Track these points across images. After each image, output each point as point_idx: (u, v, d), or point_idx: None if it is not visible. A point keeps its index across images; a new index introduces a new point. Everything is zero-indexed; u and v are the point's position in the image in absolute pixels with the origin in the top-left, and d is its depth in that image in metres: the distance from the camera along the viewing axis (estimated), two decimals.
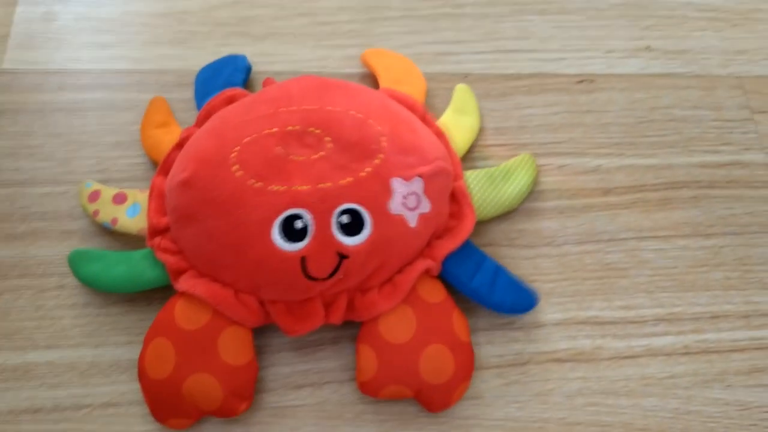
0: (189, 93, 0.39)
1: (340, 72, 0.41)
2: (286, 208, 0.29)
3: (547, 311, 0.35)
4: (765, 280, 0.37)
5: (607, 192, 0.39)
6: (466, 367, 0.31)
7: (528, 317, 0.35)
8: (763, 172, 0.40)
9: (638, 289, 0.36)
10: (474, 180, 0.35)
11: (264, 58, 0.41)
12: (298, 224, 0.29)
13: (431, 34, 0.43)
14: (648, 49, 0.43)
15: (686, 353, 0.35)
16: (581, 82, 0.42)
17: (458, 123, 0.37)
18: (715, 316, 0.36)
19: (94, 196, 0.34)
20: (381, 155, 0.31)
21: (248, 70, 0.39)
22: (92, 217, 0.34)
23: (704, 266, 0.37)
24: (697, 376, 0.34)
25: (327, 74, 0.40)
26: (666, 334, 0.35)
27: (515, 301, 0.33)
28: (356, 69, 0.41)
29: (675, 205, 0.38)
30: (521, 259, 0.36)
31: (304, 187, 0.29)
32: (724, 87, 0.43)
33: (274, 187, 0.29)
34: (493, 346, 0.34)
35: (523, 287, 0.33)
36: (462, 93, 0.39)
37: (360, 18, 0.43)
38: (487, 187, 0.35)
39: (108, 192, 0.34)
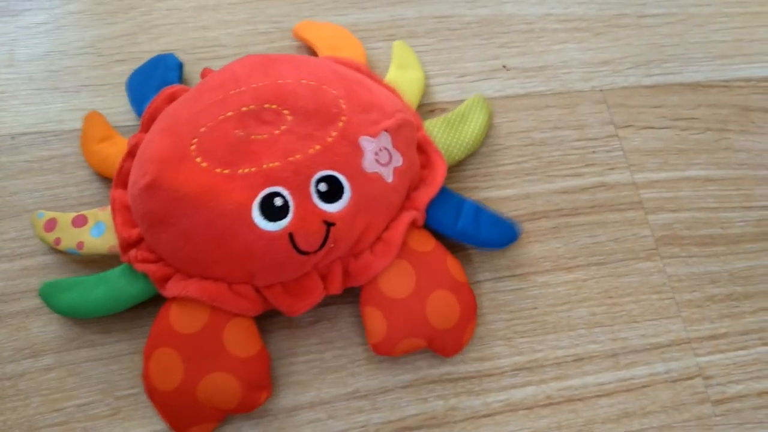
0: None
1: None
2: (261, 189, 0.28)
3: (393, 372, 0.32)
4: (633, 312, 0.34)
5: None
6: (470, 307, 0.31)
7: (372, 381, 0.32)
8: (628, 193, 0.37)
9: (495, 336, 0.33)
10: (434, 128, 0.35)
11: (75, 114, 0.37)
12: (278, 202, 0.28)
13: None
14: (504, 68, 0.41)
15: (549, 404, 0.32)
16: (432, 111, 0.39)
17: (405, 77, 0.37)
18: (579, 359, 0.33)
19: (50, 224, 0.32)
20: (343, 117, 0.30)
21: (180, 66, 0.37)
22: (53, 246, 0.32)
23: (566, 303, 0.34)
24: (561, 430, 0.31)
25: None
26: (526, 384, 0.32)
27: (501, 235, 0.33)
28: None
29: (534, 239, 0.36)
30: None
31: (275, 164, 0.28)
32: (587, 103, 0.40)
33: (244, 170, 0.28)
34: (335, 420, 0.31)
35: (505, 220, 0.33)
36: (401, 49, 0.39)
37: (188, 59, 0.39)
38: (449, 132, 0.35)
39: (65, 217, 0.32)
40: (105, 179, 0.35)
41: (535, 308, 0.34)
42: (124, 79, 0.38)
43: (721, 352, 0.33)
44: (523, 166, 0.37)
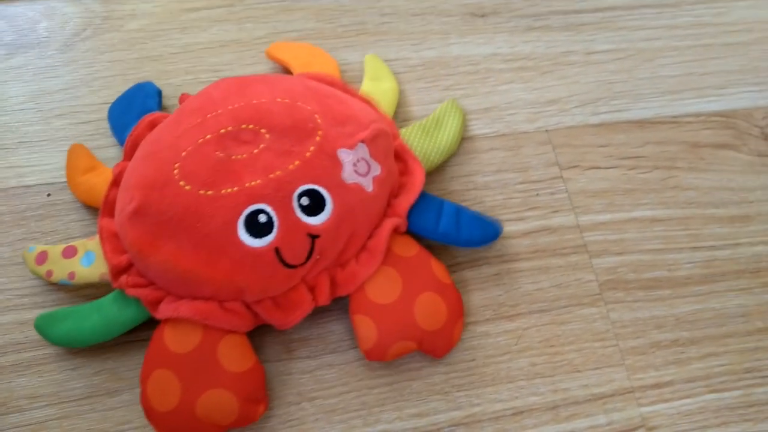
0: None
1: None
2: (244, 207, 0.29)
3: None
4: (575, 361, 0.33)
5: None
6: (457, 307, 0.32)
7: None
8: (572, 236, 0.37)
9: (432, 391, 0.32)
10: (410, 135, 0.36)
11: (11, 172, 0.37)
12: (262, 218, 0.29)
13: None
14: None
15: None
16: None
17: (378, 88, 0.38)
18: (518, 412, 0.32)
19: (41, 257, 0.33)
20: (319, 132, 0.31)
21: (159, 93, 0.38)
22: (45, 279, 0.33)
23: (506, 354, 0.33)
24: None
25: None
26: None
27: (482, 234, 0.34)
28: None
29: (474, 287, 0.35)
30: (299, 373, 0.33)
31: (256, 182, 0.29)
32: (532, 144, 0.39)
33: (227, 190, 0.29)
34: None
35: (485, 219, 0.34)
36: (373, 61, 0.40)
37: None
38: (424, 139, 0.36)
39: (55, 249, 0.33)
40: (45, 238, 0.35)
41: (474, 360, 0.33)
42: (63, 134, 0.38)
43: (666, 401, 0.33)
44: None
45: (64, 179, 0.37)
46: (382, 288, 0.31)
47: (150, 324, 0.31)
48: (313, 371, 0.33)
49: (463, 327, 0.33)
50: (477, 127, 0.40)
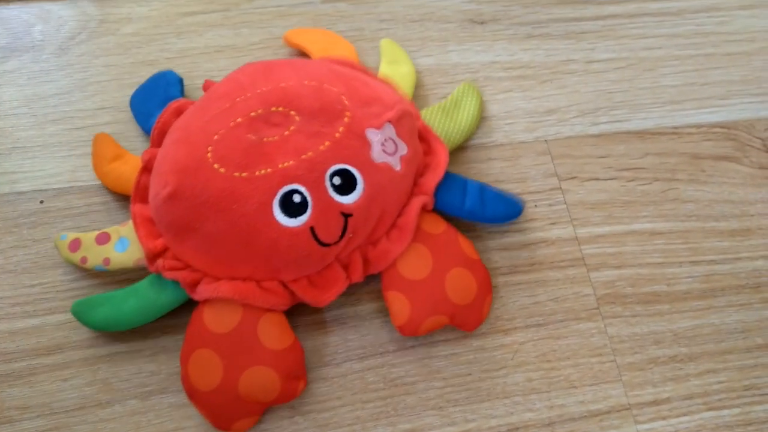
0: None
1: (96, 182, 0.37)
2: (279, 188, 0.29)
3: None
4: (571, 377, 0.33)
5: None
6: (486, 281, 0.33)
7: None
8: (570, 249, 0.36)
9: (427, 405, 0.32)
10: (430, 116, 0.37)
11: (4, 178, 0.36)
12: (296, 198, 0.30)
13: None
14: None
15: None
16: None
17: (397, 72, 0.38)
18: (513, 428, 0.32)
19: (75, 245, 0.33)
20: (347, 113, 0.31)
21: (181, 81, 0.39)
22: (80, 266, 0.33)
23: (502, 369, 0.33)
24: None
25: (79, 188, 0.36)
26: None
27: (506, 210, 0.34)
28: None
29: None
30: None
31: (289, 163, 0.30)
32: (530, 154, 0.39)
33: (261, 172, 0.30)
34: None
35: (508, 196, 0.35)
36: (389, 45, 0.41)
37: (122, 117, 0.39)
38: (445, 119, 0.37)
39: (88, 236, 0.33)
40: (37, 246, 0.35)
41: (470, 374, 0.33)
42: (57, 139, 0.38)
43: (664, 418, 0.32)
44: (462, 222, 0.36)
45: (58, 185, 0.37)
46: (414, 264, 0.32)
47: (146, 333, 0.31)
48: (309, 385, 0.32)
49: (491, 302, 0.33)
50: (475, 137, 0.39)
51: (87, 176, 0.37)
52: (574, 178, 0.38)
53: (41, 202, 0.36)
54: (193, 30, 0.42)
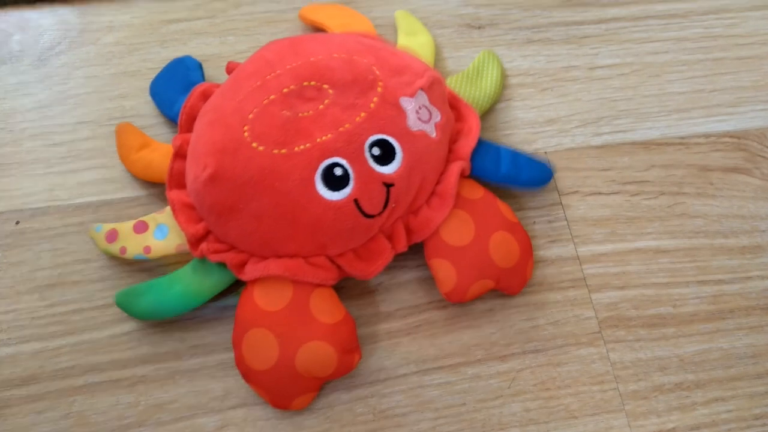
0: None
1: (75, 201, 0.35)
2: (319, 162, 0.29)
3: None
4: (571, 406, 0.31)
5: (387, 316, 0.33)
6: (527, 244, 0.33)
7: None
8: (570, 269, 0.34)
9: None
10: (456, 84, 0.37)
11: None
12: (338, 171, 0.29)
13: None
14: None
15: None
16: None
17: (416, 42, 0.39)
18: None
19: (112, 235, 0.32)
20: (380, 83, 0.31)
21: (200, 66, 0.38)
22: (119, 256, 0.32)
23: (498, 398, 0.31)
24: None
25: (57, 208, 0.35)
26: None
27: (540, 174, 0.34)
28: (93, 197, 0.35)
29: (466, 323, 0.33)
30: (278, 418, 0.31)
31: (327, 137, 0.30)
32: None
33: (300, 147, 0.29)
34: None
35: (539, 161, 0.35)
36: (405, 17, 0.40)
37: (102, 132, 0.37)
38: (469, 86, 0.37)
39: (125, 226, 0.33)
40: (13, 270, 0.33)
41: (464, 404, 0.31)
42: (34, 156, 0.36)
43: None
44: None
45: (35, 205, 0.35)
46: (457, 231, 0.32)
47: (124, 363, 0.30)
48: (294, 416, 0.31)
49: (533, 264, 0.33)
50: None
51: (65, 195, 0.35)
52: (576, 192, 0.37)
53: (17, 223, 0.35)
54: (177, 38, 0.41)
